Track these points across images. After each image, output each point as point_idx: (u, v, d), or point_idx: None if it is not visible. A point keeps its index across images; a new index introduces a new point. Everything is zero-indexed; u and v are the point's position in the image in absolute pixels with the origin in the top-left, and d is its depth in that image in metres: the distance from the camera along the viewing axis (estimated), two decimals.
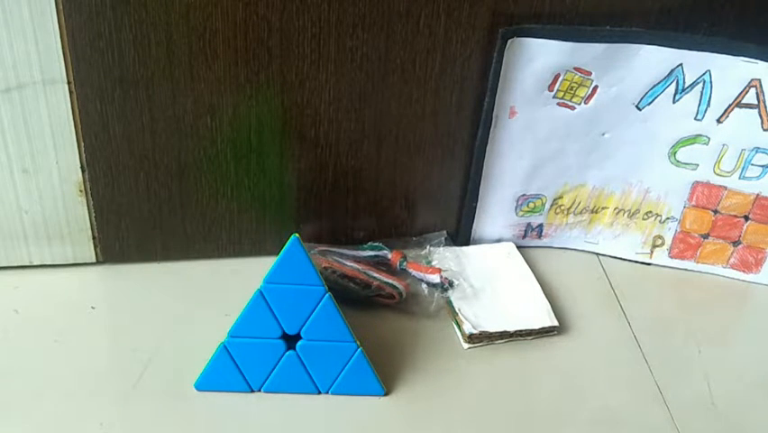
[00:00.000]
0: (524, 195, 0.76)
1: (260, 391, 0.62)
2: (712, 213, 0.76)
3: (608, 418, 0.63)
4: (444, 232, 0.77)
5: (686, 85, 0.70)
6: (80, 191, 0.67)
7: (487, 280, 0.73)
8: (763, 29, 0.68)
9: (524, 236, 0.79)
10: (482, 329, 0.68)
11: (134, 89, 0.63)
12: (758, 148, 0.72)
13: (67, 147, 0.65)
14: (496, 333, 0.68)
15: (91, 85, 0.62)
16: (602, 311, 0.73)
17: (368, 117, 0.69)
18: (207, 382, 0.62)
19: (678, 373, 0.68)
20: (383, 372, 0.63)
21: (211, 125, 0.66)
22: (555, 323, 0.69)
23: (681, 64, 0.69)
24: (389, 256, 0.72)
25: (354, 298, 0.69)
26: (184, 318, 0.67)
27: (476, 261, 0.75)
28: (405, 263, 0.72)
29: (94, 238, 0.70)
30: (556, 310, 0.71)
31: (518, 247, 0.78)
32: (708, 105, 0.70)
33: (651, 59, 0.68)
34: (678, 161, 0.74)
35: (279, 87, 0.65)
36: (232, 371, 0.61)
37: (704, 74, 0.69)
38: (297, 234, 0.59)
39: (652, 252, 0.79)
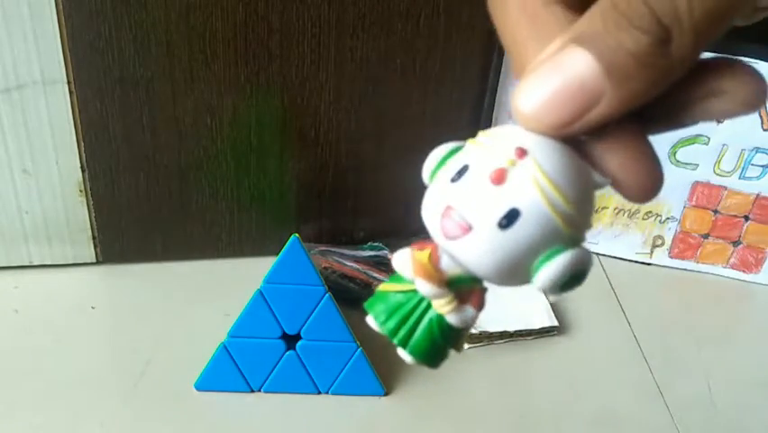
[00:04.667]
0: None
1: (260, 391, 0.62)
2: (712, 213, 0.76)
3: (608, 418, 0.63)
4: None
5: None
6: (80, 191, 0.67)
7: None
8: (764, 29, 0.68)
9: None
10: (482, 329, 0.68)
11: (134, 89, 0.63)
12: (758, 148, 0.72)
13: (67, 147, 0.65)
14: (496, 333, 0.68)
15: (91, 85, 0.62)
16: (602, 311, 0.73)
17: (368, 117, 0.69)
18: (207, 382, 0.62)
19: (678, 373, 0.68)
20: (383, 372, 0.63)
21: (211, 125, 0.66)
22: (555, 323, 0.69)
23: None
24: (389, 256, 0.72)
25: (354, 298, 0.69)
26: (184, 318, 0.67)
27: None
28: None
29: (94, 238, 0.70)
30: (556, 310, 0.71)
31: None
32: None
33: None
34: (678, 161, 0.74)
35: (279, 87, 0.65)
36: (232, 371, 0.61)
37: None
38: (296, 235, 0.59)
39: (652, 252, 0.79)
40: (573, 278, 0.27)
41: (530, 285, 0.28)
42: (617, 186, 0.26)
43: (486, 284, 0.30)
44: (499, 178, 0.27)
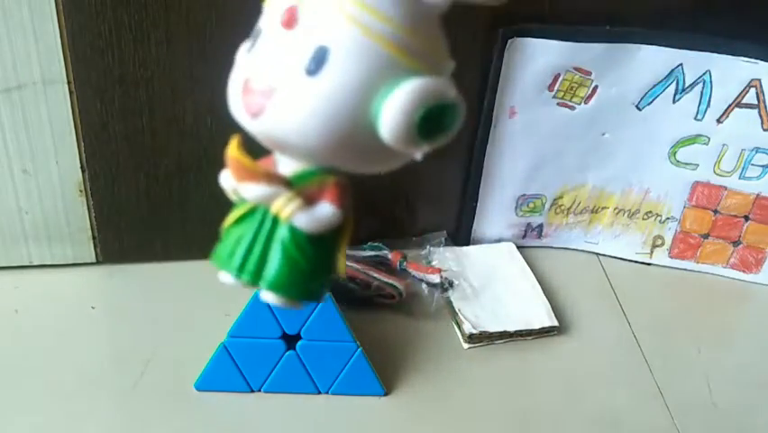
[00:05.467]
0: (524, 195, 0.76)
1: (260, 391, 0.62)
2: (712, 213, 0.76)
3: (608, 418, 0.63)
4: (444, 232, 0.77)
5: (686, 85, 0.70)
6: (80, 191, 0.67)
7: (487, 280, 0.73)
8: (763, 29, 0.68)
9: (524, 236, 0.78)
10: (482, 329, 0.68)
11: (134, 89, 0.63)
12: (758, 148, 0.72)
13: (67, 147, 0.65)
14: (496, 333, 0.68)
15: (91, 85, 0.62)
16: (602, 311, 0.73)
17: None
18: (207, 382, 0.62)
19: (678, 373, 0.68)
20: (383, 372, 0.63)
21: (211, 125, 0.66)
22: (555, 323, 0.69)
23: (681, 64, 0.69)
24: (389, 256, 0.72)
25: (354, 298, 0.69)
26: (184, 318, 0.67)
27: (476, 261, 0.75)
28: (405, 263, 0.72)
29: (94, 238, 0.70)
30: (556, 310, 0.71)
31: (518, 247, 0.77)
32: (708, 105, 0.70)
33: (651, 60, 0.68)
34: (678, 161, 0.74)
35: None
36: (232, 371, 0.61)
37: (704, 74, 0.69)
38: None
39: (652, 252, 0.79)
40: (431, 114, 0.20)
41: (380, 138, 0.21)
42: None
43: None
44: (290, 19, 0.21)
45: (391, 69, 0.20)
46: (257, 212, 0.24)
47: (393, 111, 0.20)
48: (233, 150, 0.25)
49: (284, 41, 0.21)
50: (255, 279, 0.24)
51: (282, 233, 0.24)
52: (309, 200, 0.24)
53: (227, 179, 0.25)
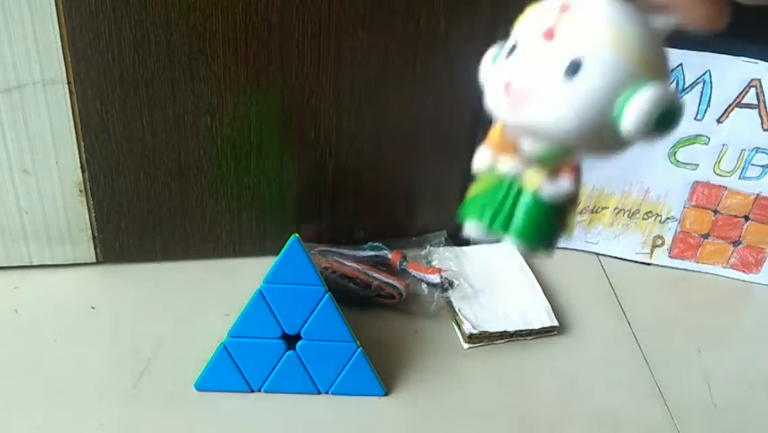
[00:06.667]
0: None
1: (260, 391, 0.62)
2: (712, 213, 0.76)
3: (608, 418, 0.63)
4: (444, 232, 0.77)
5: (686, 85, 0.70)
6: (80, 191, 0.67)
7: (487, 280, 0.73)
8: (763, 29, 0.68)
9: None
10: (482, 329, 0.68)
11: (134, 89, 0.63)
12: (758, 148, 0.72)
13: (67, 147, 0.65)
14: (496, 333, 0.68)
15: (91, 85, 0.62)
16: (602, 311, 0.73)
17: (368, 117, 0.69)
18: (207, 382, 0.62)
19: (678, 373, 0.68)
20: (383, 372, 0.63)
21: (211, 125, 0.66)
22: (555, 323, 0.69)
23: (681, 64, 0.69)
24: (389, 256, 0.72)
25: (354, 298, 0.69)
26: (184, 318, 0.67)
27: (476, 261, 0.75)
28: (405, 263, 0.72)
29: (94, 238, 0.70)
30: (556, 310, 0.71)
31: None
32: (708, 105, 0.70)
33: None
34: (678, 161, 0.74)
35: (279, 87, 0.65)
36: (232, 371, 0.61)
37: (704, 74, 0.69)
38: (296, 234, 0.59)
39: (652, 252, 0.79)
40: (664, 115, 0.26)
41: (620, 133, 0.27)
42: (685, 17, 0.27)
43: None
44: (550, 33, 0.27)
45: (633, 77, 0.26)
46: (503, 183, 0.31)
47: (636, 111, 0.26)
48: (494, 133, 0.31)
49: (542, 49, 0.27)
50: (502, 227, 0.31)
51: (527, 198, 0.30)
52: (551, 175, 0.30)
53: (485, 155, 0.32)
